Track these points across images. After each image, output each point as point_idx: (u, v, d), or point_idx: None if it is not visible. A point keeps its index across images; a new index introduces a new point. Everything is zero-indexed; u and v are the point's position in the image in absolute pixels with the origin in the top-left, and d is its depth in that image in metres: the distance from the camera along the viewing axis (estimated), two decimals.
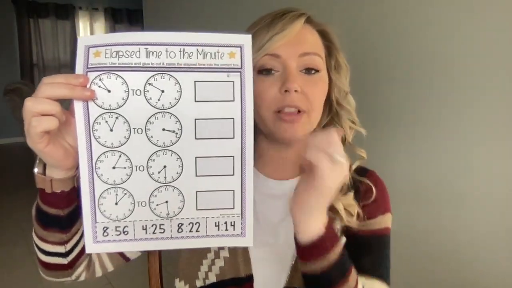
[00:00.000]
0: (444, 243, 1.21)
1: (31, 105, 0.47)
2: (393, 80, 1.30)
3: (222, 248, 0.68)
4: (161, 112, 0.52)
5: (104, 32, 6.50)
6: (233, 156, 0.54)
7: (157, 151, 0.53)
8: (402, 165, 1.31)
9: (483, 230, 1.12)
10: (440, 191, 1.21)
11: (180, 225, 0.55)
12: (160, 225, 0.55)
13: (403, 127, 1.30)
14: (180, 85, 0.51)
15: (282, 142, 0.67)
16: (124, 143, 0.52)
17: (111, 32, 5.99)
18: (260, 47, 0.61)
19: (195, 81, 0.52)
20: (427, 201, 1.25)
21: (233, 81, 0.52)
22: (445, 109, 1.17)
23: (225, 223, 0.56)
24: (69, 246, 0.61)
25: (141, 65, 0.50)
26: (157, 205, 0.55)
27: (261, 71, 0.62)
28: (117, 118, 0.51)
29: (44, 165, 0.55)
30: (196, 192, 0.55)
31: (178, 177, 0.54)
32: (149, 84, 0.51)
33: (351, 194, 0.69)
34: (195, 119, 0.52)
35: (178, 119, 0.52)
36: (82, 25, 6.46)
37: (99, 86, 0.50)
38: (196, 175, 0.54)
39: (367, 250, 0.69)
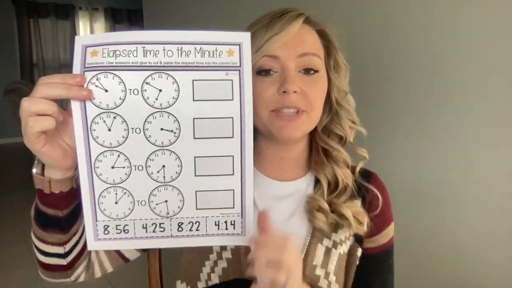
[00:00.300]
0: (444, 243, 1.21)
1: (27, 105, 0.47)
2: (393, 80, 1.30)
3: (225, 249, 0.67)
4: (159, 111, 0.51)
5: (104, 32, 6.50)
6: (233, 156, 0.54)
7: (155, 151, 0.53)
8: (402, 165, 1.31)
9: (483, 230, 1.11)
10: (440, 191, 1.21)
11: (180, 224, 0.55)
12: (160, 224, 0.55)
13: (403, 127, 1.29)
14: (178, 84, 0.51)
15: (281, 141, 0.66)
16: (123, 143, 0.52)
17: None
18: (259, 48, 0.61)
19: (193, 80, 0.51)
20: (427, 201, 1.25)
21: (232, 80, 0.52)
22: (445, 109, 1.17)
23: (225, 222, 0.56)
24: (68, 246, 0.60)
25: (139, 64, 0.50)
26: (157, 204, 0.55)
27: (259, 72, 0.62)
28: (114, 117, 0.51)
29: (43, 166, 0.55)
30: (196, 191, 0.55)
31: (177, 177, 0.54)
32: (147, 83, 0.51)
33: (358, 202, 0.69)
34: (194, 119, 0.52)
35: (176, 118, 0.52)
36: (82, 25, 6.46)
37: (96, 86, 0.50)
38: (195, 175, 0.54)
39: (378, 269, 0.73)
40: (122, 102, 0.51)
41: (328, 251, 0.68)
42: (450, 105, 1.15)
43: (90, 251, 0.66)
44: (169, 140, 0.52)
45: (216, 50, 0.51)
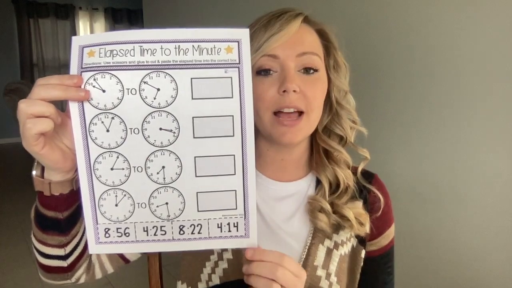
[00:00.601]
0: (444, 243, 1.21)
1: (25, 107, 0.46)
2: (393, 80, 1.30)
3: (226, 249, 0.67)
4: (157, 111, 0.51)
5: (104, 32, 6.50)
6: (234, 155, 0.53)
7: (154, 151, 0.52)
8: (402, 165, 1.31)
9: (483, 230, 1.11)
10: (440, 191, 1.20)
11: (181, 227, 0.54)
12: (161, 226, 0.54)
13: (403, 127, 1.29)
14: (176, 83, 0.50)
15: (282, 145, 0.66)
16: (121, 144, 0.51)
17: None
18: (258, 48, 0.60)
19: (191, 78, 0.50)
20: (427, 201, 1.24)
21: (231, 77, 0.51)
22: (446, 109, 1.16)
23: (228, 224, 0.55)
24: (68, 248, 0.60)
25: (136, 64, 0.49)
26: (157, 206, 0.54)
27: (259, 72, 0.62)
28: (113, 118, 0.50)
29: (43, 168, 0.55)
30: (197, 193, 0.54)
31: (178, 178, 0.53)
32: (144, 82, 0.50)
33: (360, 204, 0.69)
34: (193, 118, 0.51)
35: (175, 117, 0.51)
36: (82, 25, 6.46)
37: (94, 86, 0.49)
38: (196, 175, 0.53)
39: (379, 271, 0.73)
40: (120, 102, 0.50)
41: (329, 252, 0.67)
42: (451, 105, 1.15)
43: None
44: (168, 140, 0.52)
45: (214, 48, 0.50)
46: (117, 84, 0.50)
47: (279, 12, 0.63)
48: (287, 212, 0.69)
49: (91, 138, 0.51)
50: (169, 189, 0.53)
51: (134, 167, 0.52)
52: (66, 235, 0.59)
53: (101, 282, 2.12)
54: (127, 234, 0.54)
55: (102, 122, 0.50)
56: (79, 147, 0.51)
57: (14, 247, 2.56)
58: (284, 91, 0.60)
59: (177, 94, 0.50)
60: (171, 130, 0.51)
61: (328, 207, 0.66)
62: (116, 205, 0.53)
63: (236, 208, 0.54)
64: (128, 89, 0.50)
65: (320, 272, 0.66)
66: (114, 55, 0.49)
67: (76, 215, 0.58)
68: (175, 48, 0.50)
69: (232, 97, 0.51)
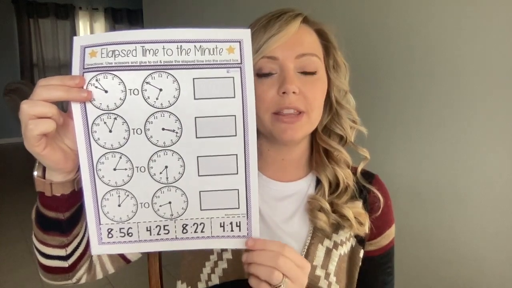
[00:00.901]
0: (444, 242, 1.21)
1: (27, 107, 0.46)
2: (394, 79, 1.30)
3: (225, 249, 0.67)
4: (160, 111, 0.51)
5: (104, 32, 6.50)
6: (236, 154, 0.53)
7: (157, 151, 0.52)
8: (402, 165, 1.31)
9: (483, 230, 1.11)
10: (440, 191, 1.20)
11: (184, 226, 0.54)
12: (164, 226, 0.54)
13: (403, 126, 1.29)
14: (178, 83, 0.50)
15: (282, 143, 0.66)
16: (124, 144, 0.51)
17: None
18: (257, 49, 0.60)
19: (193, 78, 0.50)
20: (427, 201, 1.25)
21: (233, 77, 0.51)
22: (446, 109, 1.16)
23: (230, 223, 0.55)
24: (69, 249, 0.60)
25: (138, 64, 0.49)
26: (160, 206, 0.54)
27: (259, 74, 0.62)
28: (115, 118, 0.50)
29: (44, 168, 0.55)
30: (200, 192, 0.54)
31: (180, 177, 0.53)
32: (147, 83, 0.50)
33: (359, 203, 0.69)
34: (195, 118, 0.51)
35: (177, 118, 0.51)
36: (82, 25, 6.46)
37: (96, 87, 0.49)
38: (199, 175, 0.53)
39: (379, 271, 0.73)
40: (122, 103, 0.50)
41: (328, 252, 0.67)
42: (451, 105, 1.15)
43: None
44: (171, 140, 0.52)
45: (216, 48, 0.50)
46: (119, 84, 0.50)
47: (278, 13, 0.63)
48: (287, 212, 0.69)
49: (94, 139, 0.51)
50: (172, 188, 0.53)
51: (137, 167, 0.52)
52: (67, 236, 0.59)
53: (101, 282, 2.12)
54: (130, 234, 0.54)
55: (105, 122, 0.50)
56: (82, 148, 0.51)
57: (14, 247, 2.56)
58: (284, 92, 0.60)
59: (179, 94, 0.51)
60: (173, 130, 0.51)
61: (327, 206, 0.66)
62: (119, 205, 0.53)
63: (238, 208, 0.54)
64: (130, 89, 0.50)
65: (319, 272, 0.66)
66: (116, 56, 0.49)
67: (77, 216, 0.59)
68: (177, 48, 0.50)
69: (234, 97, 0.51)
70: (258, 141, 0.54)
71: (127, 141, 0.51)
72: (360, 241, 0.71)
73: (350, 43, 0.70)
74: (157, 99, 0.50)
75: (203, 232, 0.55)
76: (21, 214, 3.05)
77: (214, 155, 0.53)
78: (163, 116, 0.51)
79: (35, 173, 0.55)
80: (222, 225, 0.55)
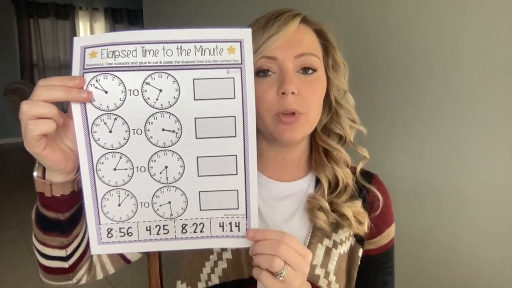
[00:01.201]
0: (444, 243, 1.21)
1: (27, 108, 0.46)
2: (393, 79, 1.30)
3: (225, 249, 0.67)
4: (159, 112, 0.51)
5: (104, 32, 6.50)
6: (236, 155, 0.53)
7: (157, 152, 0.52)
8: (402, 165, 1.31)
9: (483, 230, 1.11)
10: (440, 191, 1.20)
11: (184, 225, 0.55)
12: (164, 226, 0.55)
13: (403, 126, 1.29)
14: (178, 84, 0.50)
15: (282, 144, 0.66)
16: (124, 145, 0.51)
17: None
18: (256, 50, 0.60)
19: (193, 79, 0.50)
20: (427, 201, 1.25)
21: (233, 78, 0.51)
22: (445, 108, 1.17)
23: (230, 223, 0.55)
24: (70, 249, 0.60)
25: (138, 65, 0.49)
26: (160, 206, 0.54)
27: (258, 73, 0.62)
28: (115, 119, 0.50)
29: (44, 169, 0.55)
30: (199, 192, 0.54)
31: (180, 178, 0.53)
32: (147, 83, 0.50)
33: (358, 203, 0.69)
34: (195, 118, 0.51)
35: (177, 118, 0.51)
36: (82, 25, 6.46)
37: (96, 87, 0.49)
38: (199, 175, 0.53)
39: (378, 270, 0.73)
40: (122, 103, 0.50)
41: (328, 251, 0.68)
42: (450, 104, 1.15)
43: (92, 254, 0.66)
44: (171, 140, 0.52)
45: (216, 48, 0.50)
46: (119, 85, 0.50)
47: (277, 13, 0.63)
48: (287, 211, 0.70)
49: (94, 139, 0.51)
50: (172, 188, 0.53)
51: (137, 167, 0.52)
52: (67, 236, 0.59)
53: (101, 283, 2.12)
54: (130, 234, 0.54)
55: (105, 123, 0.50)
56: (82, 148, 0.51)
57: (14, 247, 2.56)
58: (283, 93, 0.60)
59: (179, 95, 0.51)
60: (173, 131, 0.51)
61: (327, 205, 0.66)
62: (119, 205, 0.53)
63: (237, 208, 0.54)
64: (130, 90, 0.50)
65: (319, 271, 0.66)
66: (116, 56, 0.49)
67: (78, 216, 0.59)
68: (177, 48, 0.50)
69: (234, 98, 0.51)
70: (257, 141, 0.54)
71: (127, 141, 0.51)
72: (359, 240, 0.71)
73: (350, 43, 0.70)
74: (157, 99, 0.50)
75: (202, 232, 0.55)
76: (21, 214, 3.05)
77: (214, 155, 0.53)
78: (163, 116, 0.51)
79: (35, 173, 0.55)
80: (221, 225, 0.55)
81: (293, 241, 0.51)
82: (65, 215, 0.57)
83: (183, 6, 2.64)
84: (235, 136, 0.52)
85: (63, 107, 0.53)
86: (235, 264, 0.67)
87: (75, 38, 0.50)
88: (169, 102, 0.51)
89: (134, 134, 0.51)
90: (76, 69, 0.49)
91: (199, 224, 0.55)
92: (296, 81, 0.61)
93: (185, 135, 0.52)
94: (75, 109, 0.50)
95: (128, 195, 0.53)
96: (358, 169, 0.72)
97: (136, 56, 0.49)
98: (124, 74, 0.49)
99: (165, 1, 2.87)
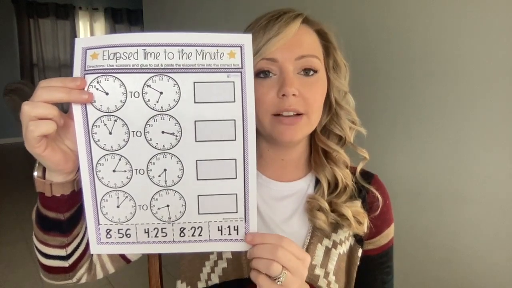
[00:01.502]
0: (444, 243, 1.21)
1: (28, 109, 0.46)
2: (393, 80, 1.30)
3: None
4: (160, 114, 0.51)
5: (104, 32, 6.50)
6: (235, 159, 0.53)
7: (156, 154, 0.52)
8: (401, 165, 1.31)
9: (483, 230, 1.11)
10: (440, 191, 1.20)
11: (182, 229, 0.55)
12: (162, 228, 0.55)
13: (402, 127, 1.29)
14: (179, 87, 0.50)
15: (282, 144, 0.66)
16: (124, 146, 0.52)
17: (111, 33, 6.01)
18: (257, 51, 0.60)
19: (194, 82, 0.51)
20: (427, 201, 1.25)
21: (234, 82, 0.51)
22: (445, 109, 1.16)
23: (228, 227, 0.55)
24: (70, 249, 0.60)
25: (139, 67, 0.50)
26: (159, 208, 0.54)
27: (258, 74, 0.62)
28: (115, 121, 0.51)
29: (44, 169, 0.55)
30: (198, 196, 0.54)
31: (179, 181, 0.53)
32: (148, 86, 0.50)
33: (358, 203, 0.69)
34: (195, 121, 0.51)
35: (177, 121, 0.51)
36: (82, 25, 6.46)
37: (97, 89, 0.49)
38: (197, 179, 0.53)
39: (378, 270, 0.74)
40: (123, 105, 0.50)
41: (327, 251, 0.68)
42: (450, 105, 1.15)
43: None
44: (170, 143, 0.52)
45: (217, 52, 0.51)
46: (120, 87, 0.50)
47: (278, 14, 0.63)
48: (286, 212, 0.70)
49: (94, 140, 0.51)
50: (170, 191, 0.54)
51: (136, 169, 0.52)
52: (68, 236, 0.59)
53: (101, 282, 2.12)
54: (128, 235, 0.55)
55: (105, 124, 0.51)
56: (82, 149, 0.51)
57: (14, 247, 2.56)
58: (284, 95, 0.60)
59: (179, 98, 0.51)
60: (173, 134, 0.52)
61: (326, 205, 0.66)
62: (118, 206, 0.54)
63: (236, 212, 0.54)
64: (131, 92, 0.50)
65: (319, 271, 0.67)
66: (118, 58, 0.49)
67: (78, 216, 0.59)
68: (179, 52, 0.50)
69: (234, 102, 0.51)
70: (257, 141, 0.54)
71: (126, 143, 0.52)
72: (359, 240, 0.71)
73: (350, 43, 0.70)
74: (157, 102, 0.51)
75: (201, 235, 0.55)
76: (21, 214, 3.05)
77: (213, 159, 0.53)
78: (163, 119, 0.51)
79: (35, 173, 0.55)
80: (220, 228, 0.55)
81: (291, 245, 0.51)
82: (65, 215, 0.57)
83: (183, 6, 2.64)
84: (235, 140, 0.52)
85: (64, 108, 0.53)
86: (235, 264, 0.67)
87: (76, 39, 0.50)
88: (169, 104, 0.51)
89: (133, 136, 0.51)
90: (77, 70, 0.49)
91: (198, 228, 0.55)
92: (297, 82, 0.61)
93: (184, 138, 0.52)
94: (76, 110, 0.50)
95: (127, 197, 0.53)
96: (358, 169, 0.72)
97: (137, 59, 0.50)
98: (125, 76, 0.50)
99: (165, 1, 2.86)
